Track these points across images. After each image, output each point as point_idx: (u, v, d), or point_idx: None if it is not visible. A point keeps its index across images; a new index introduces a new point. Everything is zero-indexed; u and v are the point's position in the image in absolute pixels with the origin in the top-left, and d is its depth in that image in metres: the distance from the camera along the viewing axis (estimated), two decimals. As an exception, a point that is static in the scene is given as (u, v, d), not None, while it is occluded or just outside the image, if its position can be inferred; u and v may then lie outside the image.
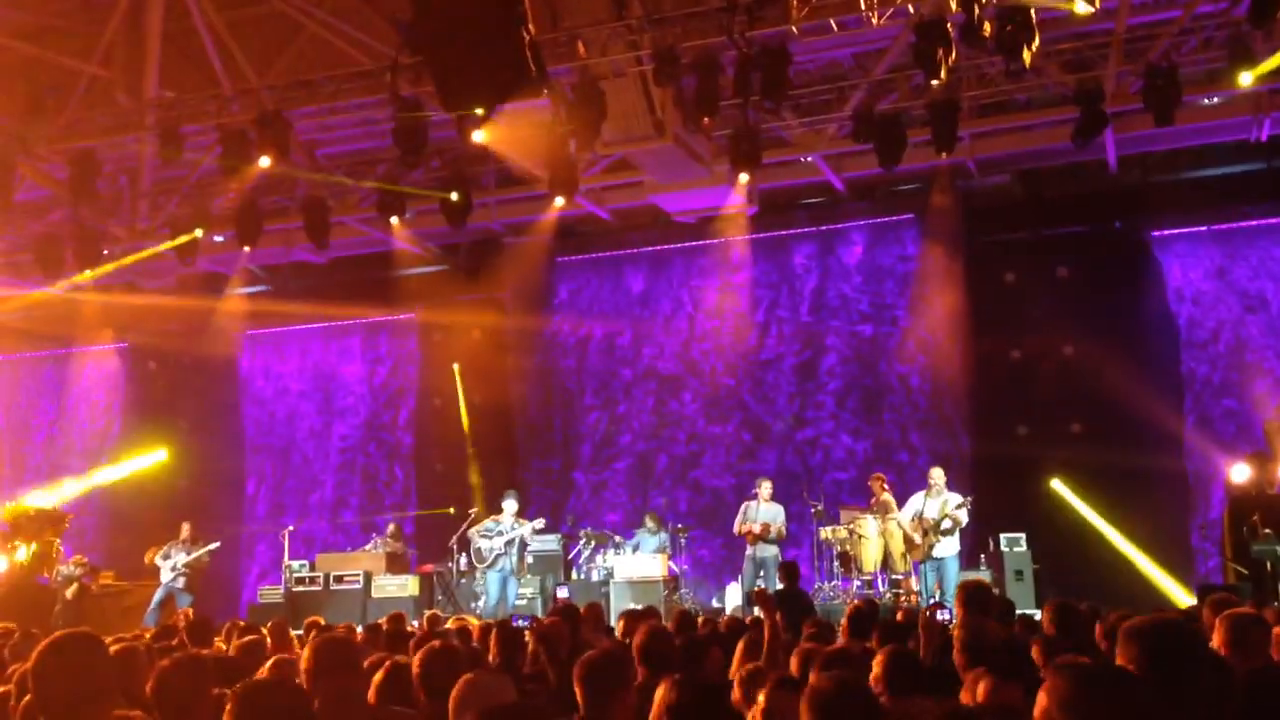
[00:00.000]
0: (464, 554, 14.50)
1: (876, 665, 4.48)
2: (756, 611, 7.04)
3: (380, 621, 8.62)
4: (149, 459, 18.34)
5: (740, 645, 5.66)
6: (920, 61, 10.83)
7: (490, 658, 6.01)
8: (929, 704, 4.18)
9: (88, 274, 16.03)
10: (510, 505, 13.89)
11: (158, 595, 14.49)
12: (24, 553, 14.96)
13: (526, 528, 13.74)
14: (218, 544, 15.20)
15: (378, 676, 4.51)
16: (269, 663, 5.75)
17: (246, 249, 14.87)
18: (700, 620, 8.44)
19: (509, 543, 13.48)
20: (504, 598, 13.35)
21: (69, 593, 14.66)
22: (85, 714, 3.04)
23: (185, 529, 14.94)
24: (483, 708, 3.41)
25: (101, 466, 18.47)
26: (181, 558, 14.65)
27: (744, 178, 13.32)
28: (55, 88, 13.68)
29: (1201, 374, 15.01)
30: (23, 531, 14.99)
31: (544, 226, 16.34)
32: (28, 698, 3.40)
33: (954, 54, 10.74)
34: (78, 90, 14.20)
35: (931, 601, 11.60)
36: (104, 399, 20.01)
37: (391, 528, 16.02)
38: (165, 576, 14.61)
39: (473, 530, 13.98)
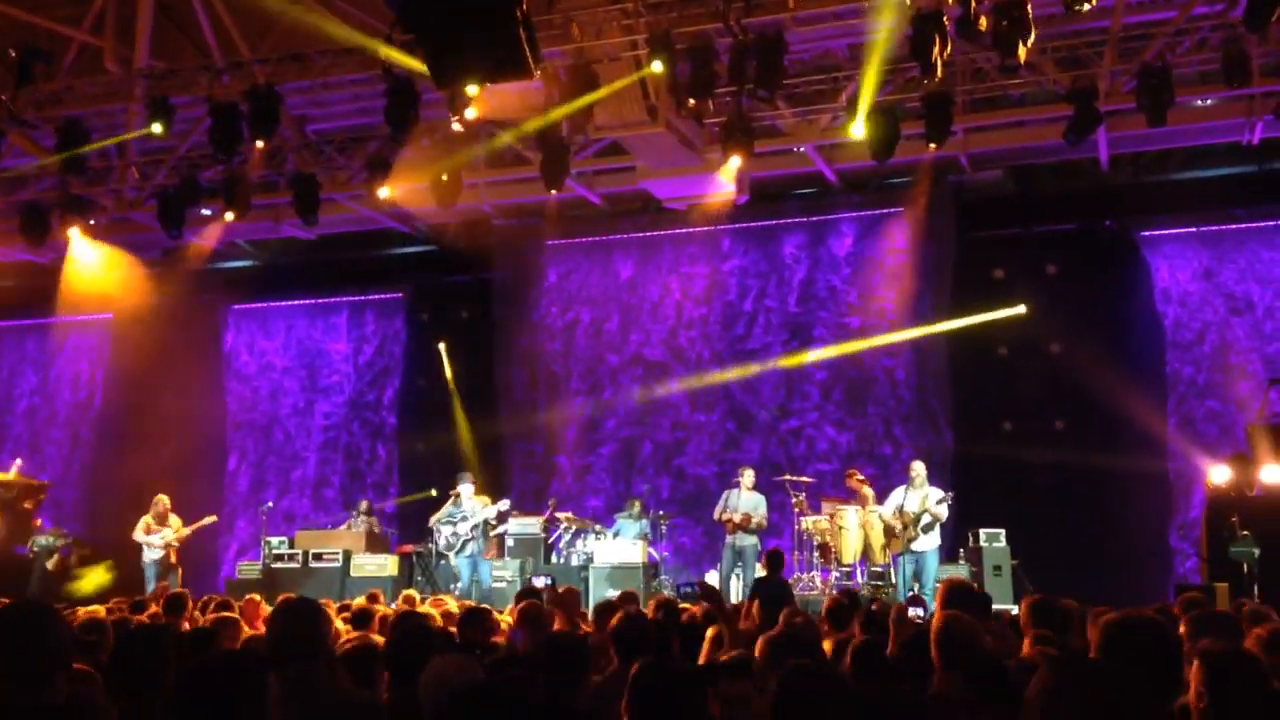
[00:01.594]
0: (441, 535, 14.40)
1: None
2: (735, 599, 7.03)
3: (350, 601, 8.60)
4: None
5: (709, 635, 5.66)
6: (915, 54, 10.80)
7: (459, 639, 5.99)
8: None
9: (73, 243, 15.93)
10: (466, 488, 13.66)
11: (150, 580, 13.89)
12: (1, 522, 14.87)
13: (492, 510, 13.62)
14: (214, 518, 14.84)
15: (344, 656, 4.48)
16: (241, 639, 5.74)
17: (230, 215, 14.69)
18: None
19: (474, 526, 13.36)
20: (477, 580, 13.26)
21: (49, 564, 14.54)
22: (39, 687, 2.99)
23: (160, 502, 14.43)
24: (454, 689, 3.38)
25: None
26: (168, 534, 14.31)
27: (736, 161, 13.27)
28: (45, 54, 13.53)
29: (1186, 375, 15.04)
30: (-1, 501, 14.88)
31: (534, 209, 16.30)
32: None
33: (949, 48, 10.73)
34: (67, 57, 14.09)
35: (909, 595, 11.63)
36: (87, 370, 19.90)
37: (364, 504, 15.90)
38: (149, 555, 14.22)
39: (434, 520, 13.75)
